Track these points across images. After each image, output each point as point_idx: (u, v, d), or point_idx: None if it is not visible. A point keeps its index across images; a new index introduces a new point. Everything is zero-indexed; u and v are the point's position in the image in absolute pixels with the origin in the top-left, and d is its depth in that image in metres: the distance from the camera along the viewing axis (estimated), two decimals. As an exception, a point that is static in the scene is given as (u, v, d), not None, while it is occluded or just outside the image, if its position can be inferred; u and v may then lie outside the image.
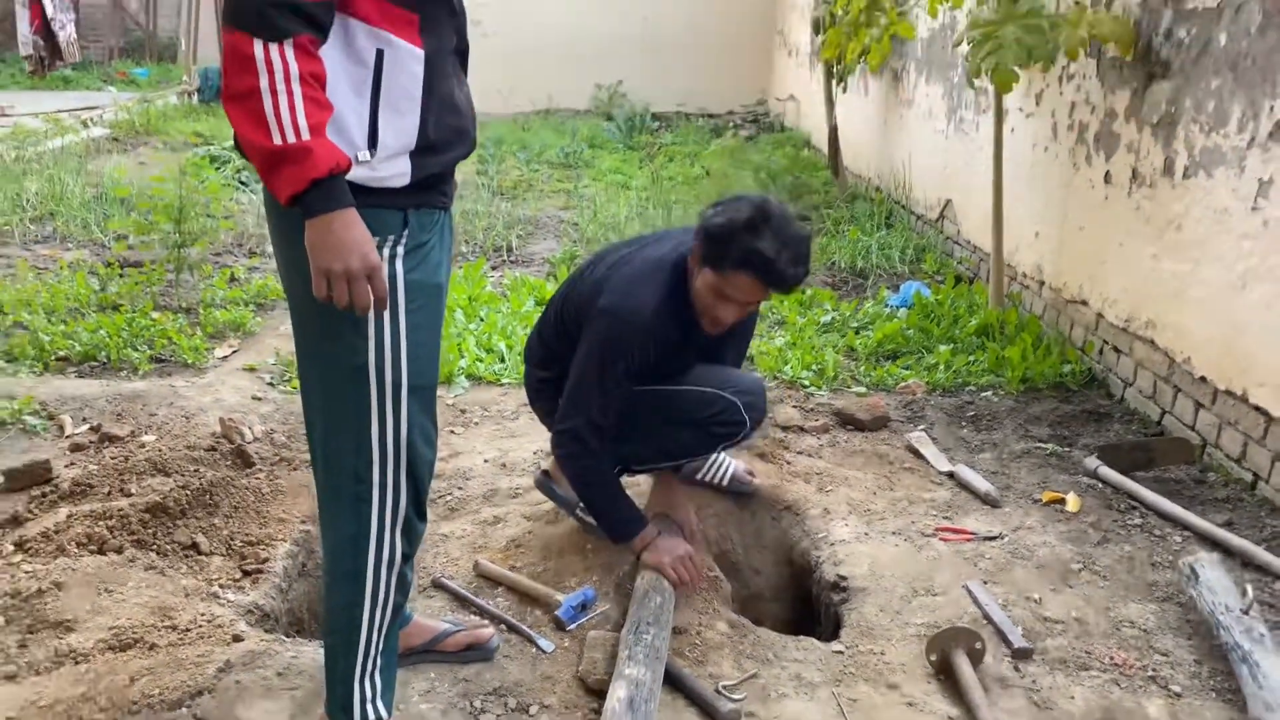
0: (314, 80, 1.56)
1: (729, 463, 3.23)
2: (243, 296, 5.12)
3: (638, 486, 3.14)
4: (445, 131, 1.80)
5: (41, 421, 3.61)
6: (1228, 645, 2.37)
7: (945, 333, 4.78)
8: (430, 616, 2.49)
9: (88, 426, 3.57)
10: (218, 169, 7.57)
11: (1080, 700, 2.31)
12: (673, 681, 2.32)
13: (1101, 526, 3.11)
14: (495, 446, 3.58)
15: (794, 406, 3.97)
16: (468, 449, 3.57)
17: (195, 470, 3.14)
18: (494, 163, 9.29)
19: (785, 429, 3.76)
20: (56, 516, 2.87)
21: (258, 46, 1.52)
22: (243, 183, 7.59)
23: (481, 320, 4.86)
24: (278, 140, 1.53)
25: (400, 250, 1.77)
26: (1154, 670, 2.42)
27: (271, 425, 3.62)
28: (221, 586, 2.67)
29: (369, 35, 1.68)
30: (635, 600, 2.48)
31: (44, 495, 3.03)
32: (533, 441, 3.58)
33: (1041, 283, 4.88)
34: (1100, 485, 3.38)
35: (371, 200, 1.70)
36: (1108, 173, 4.25)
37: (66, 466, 3.25)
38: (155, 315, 4.73)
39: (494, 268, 6.04)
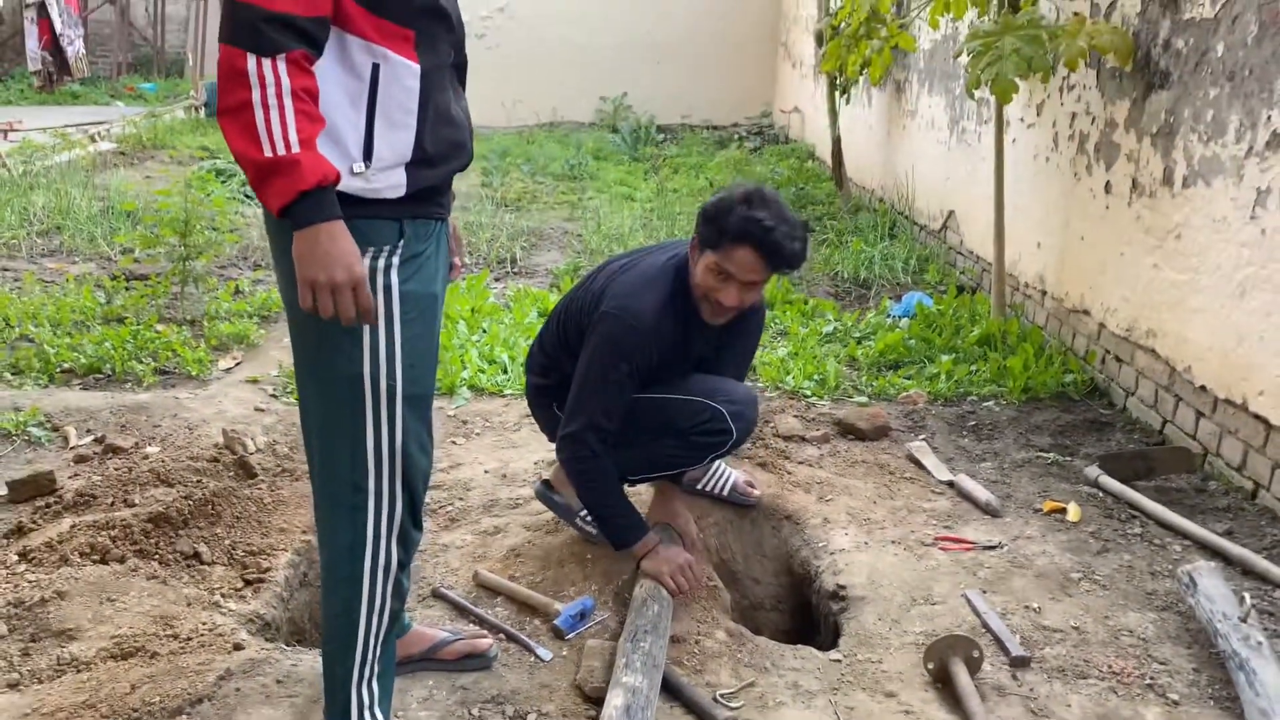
0: (306, 95, 1.59)
1: (730, 473, 3.24)
2: (247, 309, 5.15)
3: (638, 496, 3.15)
4: (441, 144, 1.83)
5: (46, 433, 3.63)
6: (1225, 653, 2.37)
7: (947, 343, 4.79)
8: (429, 625, 2.50)
9: (92, 438, 3.60)
10: (223, 183, 7.63)
11: (1077, 708, 2.31)
12: (670, 689, 2.32)
13: (1102, 536, 3.11)
14: (496, 457, 3.59)
15: (795, 416, 3.98)
16: (469, 460, 3.58)
17: (198, 481, 3.15)
18: (498, 175, 9.33)
19: (786, 439, 3.76)
20: (60, 527, 2.89)
21: (251, 61, 1.55)
22: (248, 196, 7.63)
23: (484, 332, 4.88)
24: (268, 153, 1.56)
25: (395, 260, 1.80)
26: (1152, 678, 2.42)
27: (274, 436, 3.64)
28: (223, 596, 2.69)
29: (365, 50, 1.71)
30: (633, 609, 2.49)
31: (48, 506, 3.06)
32: (533, 452, 3.60)
33: (1044, 292, 4.88)
34: (1101, 494, 3.38)
35: (367, 211, 1.73)
36: (1108, 182, 4.26)
37: (70, 477, 3.27)
38: (160, 328, 4.76)
39: (497, 279, 6.07)
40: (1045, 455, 3.70)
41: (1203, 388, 3.58)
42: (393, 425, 1.85)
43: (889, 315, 5.28)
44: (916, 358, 4.67)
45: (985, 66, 4.18)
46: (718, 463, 3.24)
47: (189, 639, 2.44)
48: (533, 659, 2.46)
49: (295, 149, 1.57)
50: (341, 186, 1.67)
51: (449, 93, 1.86)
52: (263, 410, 3.93)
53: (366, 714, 2.01)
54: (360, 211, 1.69)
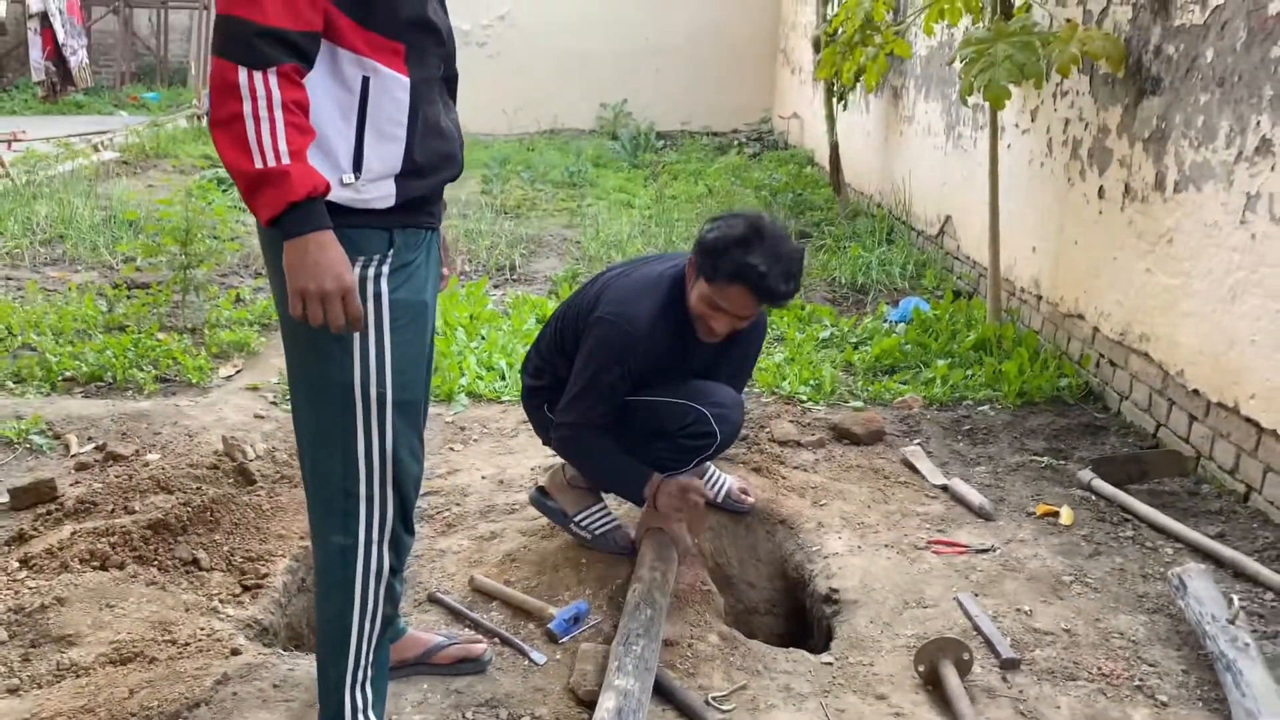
0: (296, 107, 1.63)
1: (724, 480, 3.27)
2: (248, 317, 5.18)
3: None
4: (431, 156, 1.86)
5: (48, 441, 3.66)
6: (1213, 654, 2.39)
7: (943, 347, 4.81)
8: (424, 630, 2.52)
9: (93, 446, 3.63)
10: (225, 191, 7.65)
11: (1066, 710, 2.33)
12: (662, 692, 2.35)
13: (1094, 539, 3.13)
14: (493, 463, 3.62)
15: (791, 421, 4.00)
16: (466, 465, 3.61)
17: (197, 488, 3.18)
18: (498, 182, 9.36)
19: (782, 444, 3.79)
20: (60, 534, 2.92)
21: (242, 74, 1.59)
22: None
23: (483, 338, 4.91)
24: (258, 164, 1.59)
25: (385, 269, 1.83)
26: (1141, 680, 2.44)
27: (273, 443, 3.67)
28: (221, 601, 2.71)
29: (355, 63, 1.74)
30: (626, 612, 2.51)
31: (49, 513, 3.08)
32: (530, 458, 3.62)
33: (1039, 297, 4.91)
34: (1094, 498, 3.40)
35: (357, 221, 1.76)
36: (1101, 187, 4.28)
37: (72, 485, 3.30)
38: (161, 336, 4.80)
39: (496, 286, 6.10)
40: (1039, 459, 3.72)
41: (1195, 391, 3.60)
42: (383, 431, 1.88)
43: (886, 320, 5.30)
44: (912, 363, 4.69)
45: (978, 73, 4.21)
46: (713, 468, 3.26)
47: (187, 644, 2.47)
48: (527, 663, 2.48)
49: (285, 160, 1.60)
50: (331, 197, 1.70)
51: (439, 105, 1.89)
52: (262, 417, 3.96)
53: (360, 717, 2.04)
54: (350, 221, 1.73)
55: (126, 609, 2.59)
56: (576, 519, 2.94)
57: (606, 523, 2.95)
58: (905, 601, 2.78)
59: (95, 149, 9.84)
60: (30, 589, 2.67)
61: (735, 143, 11.94)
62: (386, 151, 1.79)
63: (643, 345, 2.66)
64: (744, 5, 12.67)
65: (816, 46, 8.33)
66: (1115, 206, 4.16)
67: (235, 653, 2.45)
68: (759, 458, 3.61)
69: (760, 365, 4.56)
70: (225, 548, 2.93)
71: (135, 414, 3.90)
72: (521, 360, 3.06)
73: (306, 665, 2.40)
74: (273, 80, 1.60)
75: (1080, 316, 4.47)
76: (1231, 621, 2.43)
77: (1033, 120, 4.98)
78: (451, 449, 3.77)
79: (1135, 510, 3.27)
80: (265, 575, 2.84)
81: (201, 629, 2.54)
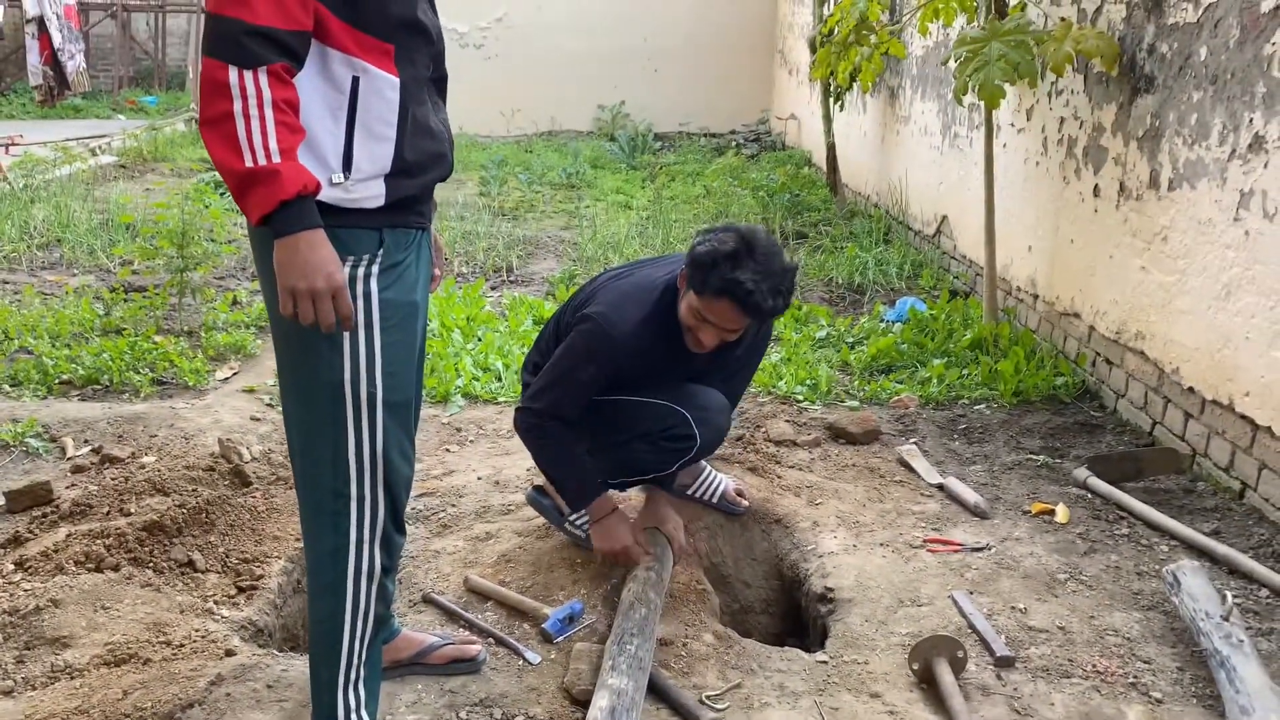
0: (287, 106, 1.63)
1: (720, 481, 3.26)
2: (244, 319, 5.19)
3: (627, 500, 3.18)
4: (420, 155, 1.86)
5: (44, 444, 3.67)
6: (1207, 651, 2.39)
7: (939, 347, 4.81)
8: (419, 630, 2.52)
9: (89, 448, 3.63)
10: (221, 195, 7.67)
11: (1060, 707, 2.33)
12: (656, 691, 2.35)
13: (1089, 537, 3.13)
14: (489, 464, 3.62)
15: (787, 421, 4.00)
16: (462, 466, 3.61)
17: (193, 490, 3.19)
18: (496, 184, 9.37)
19: (778, 443, 3.79)
20: (56, 536, 2.92)
21: (232, 73, 1.59)
22: (246, 207, 7.66)
23: (479, 340, 4.92)
24: (249, 163, 1.60)
25: (375, 269, 1.83)
26: (1135, 677, 2.44)
27: (269, 445, 3.67)
28: (216, 603, 2.72)
29: (345, 63, 1.75)
30: (620, 612, 2.51)
31: (44, 516, 3.09)
32: (526, 459, 3.61)
33: (1035, 296, 4.91)
34: (1089, 496, 3.40)
35: (347, 220, 1.76)
36: (1096, 186, 4.29)
37: (68, 488, 3.31)
38: (158, 339, 4.80)
39: (493, 288, 6.10)
40: (1035, 458, 3.72)
41: (1190, 389, 3.60)
42: (373, 432, 1.88)
43: (882, 320, 5.30)
44: (909, 362, 4.69)
45: (972, 72, 4.21)
46: (708, 468, 3.26)
47: (181, 645, 2.47)
48: (521, 662, 2.48)
49: (275, 159, 1.60)
50: (321, 196, 1.70)
51: (428, 105, 1.90)
52: (258, 419, 3.96)
53: (353, 717, 2.04)
54: (340, 221, 1.73)
55: (121, 610, 2.60)
56: (572, 519, 2.94)
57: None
58: (900, 600, 2.78)
59: (93, 153, 9.86)
60: (25, 591, 2.67)
61: (733, 144, 11.94)
62: (376, 151, 1.79)
63: (624, 350, 2.65)
64: (741, 7, 12.67)
65: (813, 47, 8.33)
66: (1110, 205, 4.17)
67: (229, 654, 2.45)
68: (755, 457, 3.61)
69: (757, 365, 4.57)
70: (220, 549, 2.94)
71: (131, 417, 3.90)
72: (519, 362, 3.08)
73: (300, 666, 2.40)
74: (263, 79, 1.60)
75: (1076, 315, 4.47)
76: (1226, 618, 2.43)
77: (1028, 119, 4.98)
78: (447, 450, 3.77)
79: (1130, 508, 3.27)
80: (260, 577, 2.85)
81: (196, 630, 2.54)
